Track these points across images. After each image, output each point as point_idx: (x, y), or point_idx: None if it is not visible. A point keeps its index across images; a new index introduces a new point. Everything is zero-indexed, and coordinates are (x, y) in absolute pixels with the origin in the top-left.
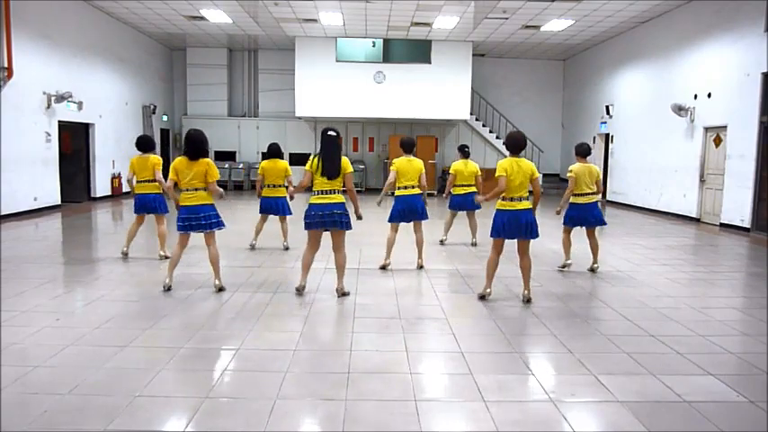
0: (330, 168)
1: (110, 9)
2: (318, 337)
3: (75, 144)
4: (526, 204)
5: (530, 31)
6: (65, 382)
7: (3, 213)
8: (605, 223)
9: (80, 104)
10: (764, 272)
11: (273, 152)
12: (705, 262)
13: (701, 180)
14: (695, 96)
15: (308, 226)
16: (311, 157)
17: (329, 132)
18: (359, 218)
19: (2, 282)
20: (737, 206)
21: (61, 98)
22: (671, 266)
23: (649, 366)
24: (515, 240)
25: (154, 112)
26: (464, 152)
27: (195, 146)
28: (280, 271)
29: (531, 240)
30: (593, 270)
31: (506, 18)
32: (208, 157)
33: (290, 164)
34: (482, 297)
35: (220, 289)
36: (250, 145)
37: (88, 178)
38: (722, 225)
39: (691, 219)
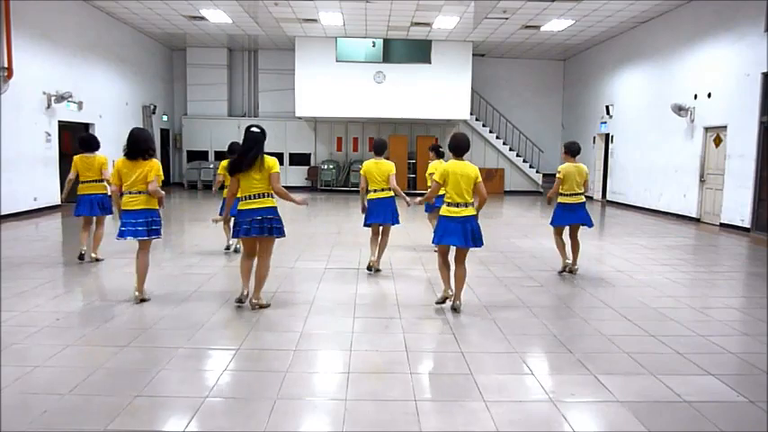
0: (237, 162)
1: (110, 9)
2: (318, 337)
3: (75, 144)
4: (470, 211)
5: (530, 31)
6: (65, 382)
7: (3, 213)
8: (591, 224)
9: (80, 104)
10: (764, 272)
11: (234, 152)
12: (705, 262)
13: (701, 180)
14: (695, 96)
15: (236, 233)
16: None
17: (252, 128)
18: (299, 203)
19: (2, 282)
20: (737, 206)
21: (61, 98)
22: (671, 266)
23: (649, 366)
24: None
25: (154, 112)
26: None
27: (136, 145)
28: (280, 271)
29: (479, 248)
30: (571, 271)
31: (506, 18)
32: (153, 157)
33: (290, 164)
34: (443, 300)
35: (142, 300)
36: None
37: None
38: (722, 225)
39: (691, 219)
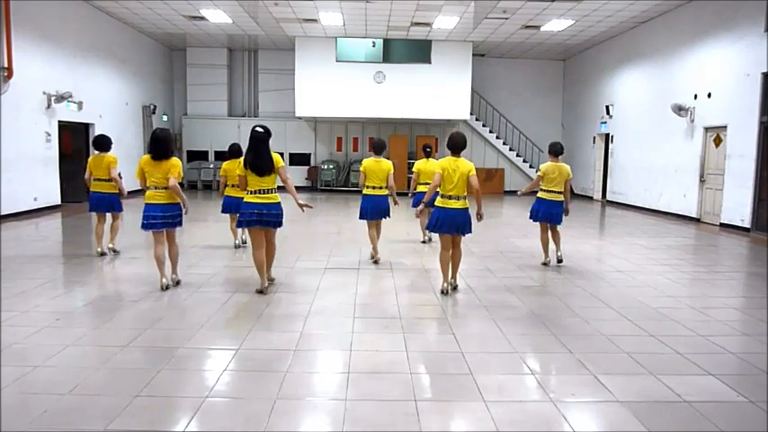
0: (257, 164)
1: (110, 9)
2: (318, 337)
3: (75, 144)
4: (462, 204)
5: (530, 31)
6: (65, 382)
7: (3, 213)
8: (560, 222)
9: (80, 104)
10: (764, 272)
11: (234, 153)
12: (705, 262)
13: (701, 180)
14: (695, 96)
15: (242, 224)
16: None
17: (257, 128)
18: (301, 207)
19: (2, 282)
20: (737, 206)
21: (61, 98)
22: (671, 266)
23: (649, 366)
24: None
25: (154, 112)
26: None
27: (159, 146)
28: (280, 271)
29: (467, 235)
30: (560, 261)
31: (506, 18)
32: (174, 156)
33: (290, 164)
34: (442, 292)
35: (177, 283)
36: None
37: None
38: (722, 225)
39: (691, 219)
